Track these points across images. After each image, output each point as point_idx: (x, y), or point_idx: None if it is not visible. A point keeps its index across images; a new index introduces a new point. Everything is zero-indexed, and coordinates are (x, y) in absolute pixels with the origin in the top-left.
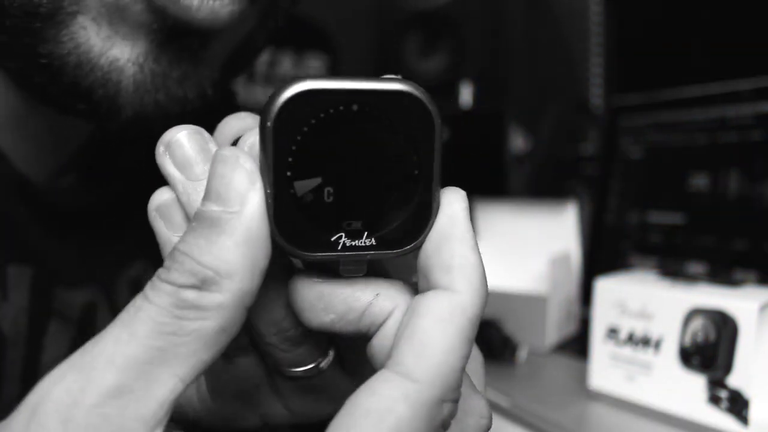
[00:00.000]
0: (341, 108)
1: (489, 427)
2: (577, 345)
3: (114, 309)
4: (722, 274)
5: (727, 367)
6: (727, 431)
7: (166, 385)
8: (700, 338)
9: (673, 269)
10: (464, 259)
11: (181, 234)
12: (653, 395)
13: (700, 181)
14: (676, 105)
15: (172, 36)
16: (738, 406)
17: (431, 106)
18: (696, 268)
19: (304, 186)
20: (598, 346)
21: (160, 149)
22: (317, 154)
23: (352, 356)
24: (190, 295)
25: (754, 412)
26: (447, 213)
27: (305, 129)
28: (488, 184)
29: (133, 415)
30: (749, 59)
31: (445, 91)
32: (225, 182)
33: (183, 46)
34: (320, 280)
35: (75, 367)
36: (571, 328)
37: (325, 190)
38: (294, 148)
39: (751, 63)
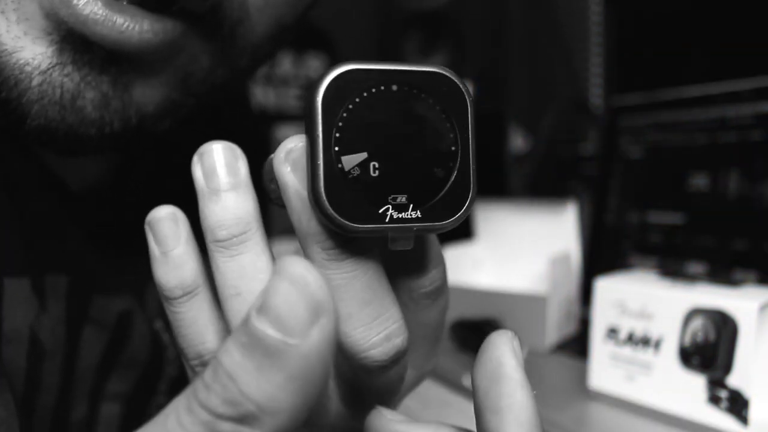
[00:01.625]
0: (382, 87)
1: None
2: (577, 345)
3: (149, 316)
4: (722, 274)
5: (727, 367)
6: (727, 431)
7: None
8: (699, 338)
9: (673, 269)
10: (511, 398)
11: (171, 249)
12: (653, 395)
13: (700, 181)
14: (676, 105)
15: (76, 49)
16: (738, 406)
17: (463, 86)
18: (696, 268)
19: (351, 161)
20: (598, 346)
21: (195, 158)
22: (362, 131)
23: (350, 390)
24: (227, 428)
25: (754, 412)
26: (493, 357)
27: (350, 106)
28: (488, 184)
29: None
30: (749, 59)
31: None
32: (289, 308)
33: (101, 68)
34: (397, 419)
35: None
36: (571, 328)
37: (371, 164)
38: (340, 124)
39: (751, 63)
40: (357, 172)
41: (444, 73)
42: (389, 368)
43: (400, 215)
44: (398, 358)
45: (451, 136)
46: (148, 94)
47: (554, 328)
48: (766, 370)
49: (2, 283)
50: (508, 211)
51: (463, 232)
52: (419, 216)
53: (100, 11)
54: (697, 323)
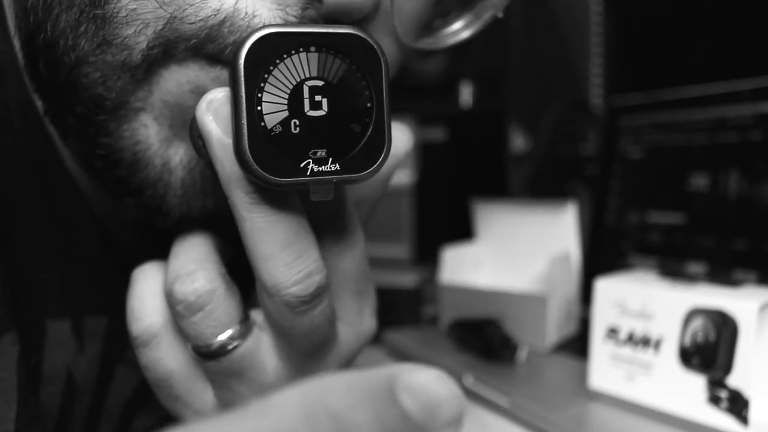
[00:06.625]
0: (301, 50)
1: None
2: (577, 345)
3: None
4: (722, 274)
5: (727, 367)
6: (727, 431)
7: None
8: (700, 338)
9: (673, 269)
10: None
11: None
12: (653, 395)
13: (700, 181)
14: (676, 105)
15: None
16: (738, 406)
17: (377, 46)
18: (696, 268)
19: (272, 119)
20: (598, 346)
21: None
22: (283, 91)
23: (282, 337)
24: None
25: (754, 412)
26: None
27: (271, 68)
28: (488, 184)
29: None
30: (749, 59)
31: (445, 91)
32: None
33: None
34: None
35: None
36: (571, 328)
37: (292, 122)
38: (262, 85)
39: (751, 63)
40: (279, 129)
41: (360, 35)
42: (312, 305)
43: (320, 168)
44: (319, 293)
45: (367, 93)
46: None
47: (554, 328)
48: (766, 370)
49: (45, 325)
50: (508, 212)
51: (463, 232)
52: (338, 168)
53: None
54: (697, 323)
